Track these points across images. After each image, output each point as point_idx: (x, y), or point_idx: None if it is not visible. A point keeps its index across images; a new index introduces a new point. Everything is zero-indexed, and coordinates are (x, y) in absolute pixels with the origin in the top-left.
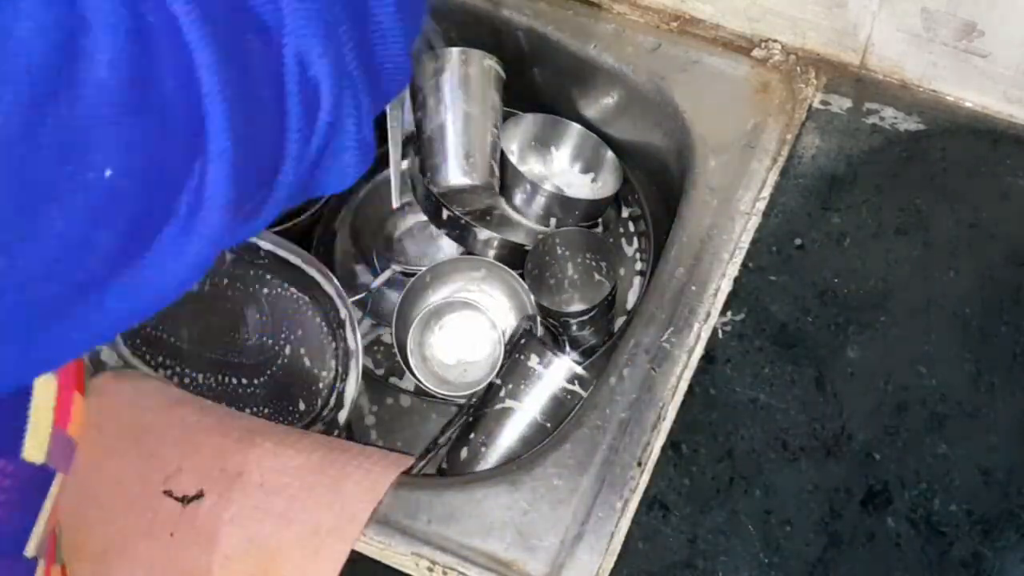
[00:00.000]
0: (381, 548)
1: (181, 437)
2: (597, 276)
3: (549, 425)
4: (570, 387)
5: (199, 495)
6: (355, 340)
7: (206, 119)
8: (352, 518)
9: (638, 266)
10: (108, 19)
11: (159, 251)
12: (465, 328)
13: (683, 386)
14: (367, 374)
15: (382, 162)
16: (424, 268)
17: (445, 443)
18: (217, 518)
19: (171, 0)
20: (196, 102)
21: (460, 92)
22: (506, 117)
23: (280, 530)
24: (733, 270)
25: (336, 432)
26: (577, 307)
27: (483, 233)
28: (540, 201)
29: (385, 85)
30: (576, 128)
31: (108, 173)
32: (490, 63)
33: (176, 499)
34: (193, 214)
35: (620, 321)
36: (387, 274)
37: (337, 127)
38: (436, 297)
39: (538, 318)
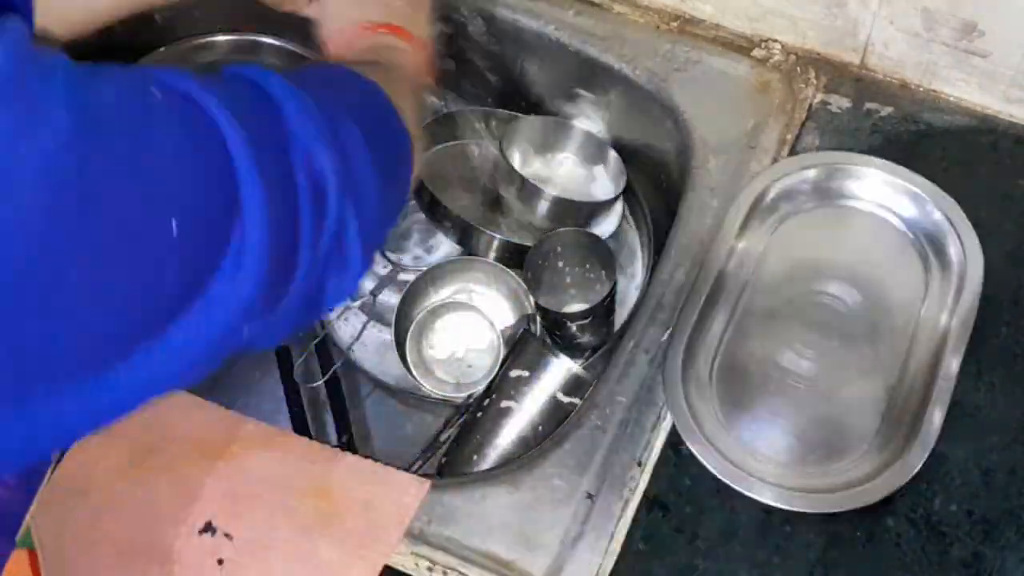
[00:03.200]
0: None
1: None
2: (596, 277)
3: (548, 426)
4: (569, 388)
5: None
6: None
7: (240, 186)
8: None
9: (638, 267)
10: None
11: (198, 311)
12: (464, 329)
13: None
14: (365, 373)
15: None
16: (424, 269)
17: (444, 443)
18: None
19: (207, 102)
20: (229, 172)
21: None
22: (508, 120)
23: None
24: None
25: None
26: (576, 308)
27: (483, 234)
28: (543, 205)
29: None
30: (579, 129)
31: (174, 224)
32: None
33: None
34: (233, 276)
35: (620, 321)
36: (387, 275)
37: (341, 234)
38: (436, 298)
39: (537, 318)
